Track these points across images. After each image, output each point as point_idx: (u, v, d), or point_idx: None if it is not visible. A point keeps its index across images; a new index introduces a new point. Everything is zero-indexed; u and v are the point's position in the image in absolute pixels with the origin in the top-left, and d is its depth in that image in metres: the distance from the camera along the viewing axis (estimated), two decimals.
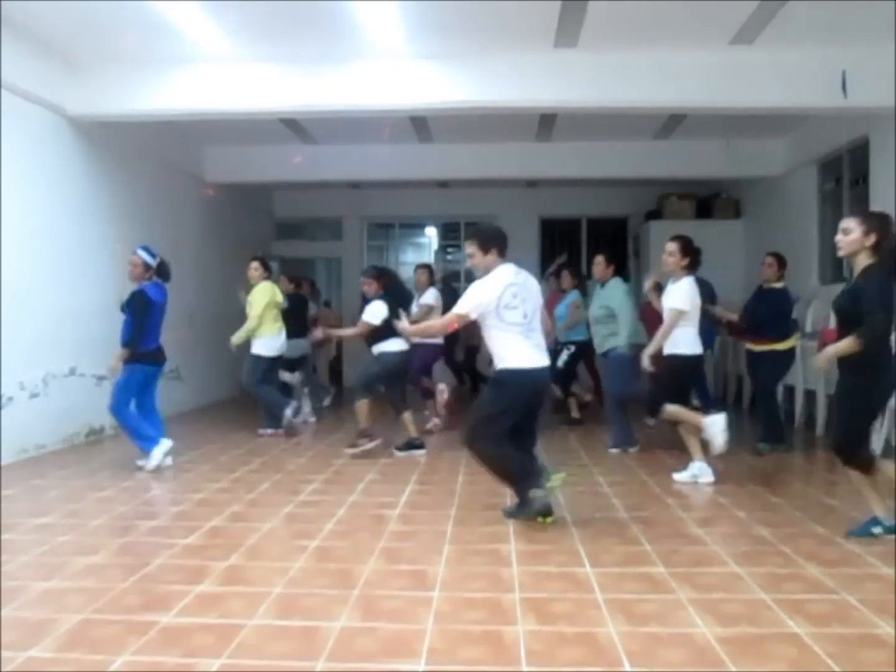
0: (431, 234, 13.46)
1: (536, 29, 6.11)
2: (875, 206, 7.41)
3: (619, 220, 12.78)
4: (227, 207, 10.63)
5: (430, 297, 7.30)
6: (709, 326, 7.30)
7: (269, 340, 7.24)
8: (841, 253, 3.86)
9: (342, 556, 3.64)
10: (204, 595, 3.14)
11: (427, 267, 7.78)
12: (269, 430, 7.37)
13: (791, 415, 7.68)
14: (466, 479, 5.34)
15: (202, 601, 3.07)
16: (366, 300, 6.49)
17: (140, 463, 5.67)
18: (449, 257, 13.49)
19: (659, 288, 5.74)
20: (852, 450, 3.82)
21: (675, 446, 6.62)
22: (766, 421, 6.48)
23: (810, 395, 7.43)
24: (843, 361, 3.77)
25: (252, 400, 8.12)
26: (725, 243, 10.52)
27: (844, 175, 8.30)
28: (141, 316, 5.63)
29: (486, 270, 4.19)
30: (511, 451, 4.18)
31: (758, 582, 3.25)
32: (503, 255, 4.23)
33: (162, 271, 5.85)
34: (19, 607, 3.01)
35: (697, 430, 5.15)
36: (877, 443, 6.19)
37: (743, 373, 8.51)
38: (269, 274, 7.48)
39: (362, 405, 6.26)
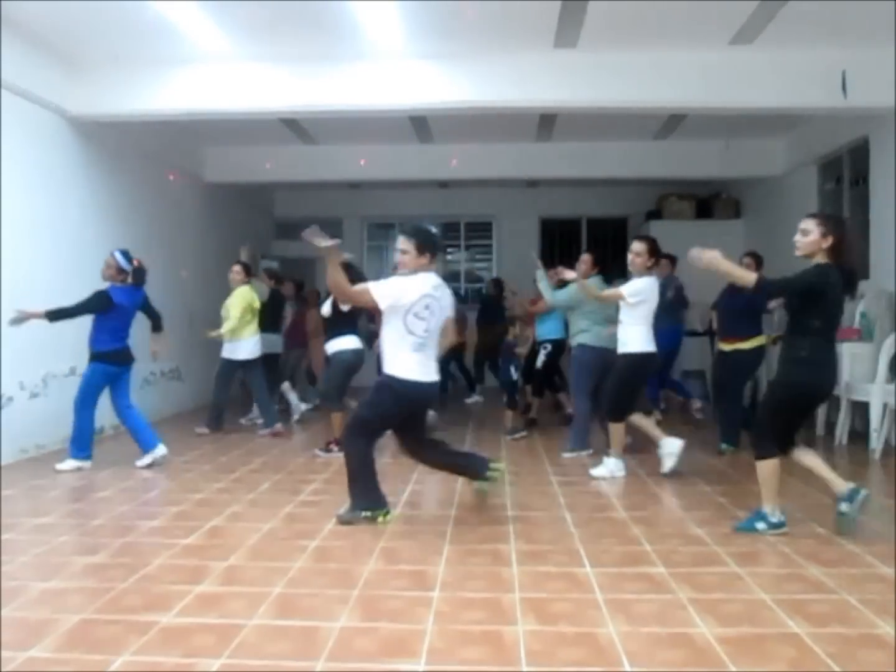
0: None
1: (536, 29, 6.11)
2: (875, 206, 7.43)
3: (619, 220, 12.77)
4: (227, 207, 10.63)
5: None
6: (673, 325, 7.41)
7: (243, 343, 7.39)
8: (798, 253, 3.91)
9: (342, 556, 3.64)
10: (204, 595, 3.14)
11: None
12: (268, 430, 7.42)
13: None
14: (466, 480, 5.33)
15: (202, 601, 3.07)
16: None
17: (59, 466, 5.67)
18: (449, 257, 13.48)
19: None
20: (757, 438, 4.02)
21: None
22: (721, 420, 6.51)
23: None
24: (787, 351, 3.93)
25: (251, 400, 8.17)
26: (725, 243, 10.33)
27: (844, 175, 8.30)
28: (90, 309, 5.68)
29: (413, 273, 4.15)
30: (369, 458, 4.27)
31: (758, 582, 3.25)
32: (434, 261, 4.22)
33: (137, 277, 5.87)
34: (19, 607, 3.01)
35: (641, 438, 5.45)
36: (876, 442, 6.20)
37: None
38: (249, 279, 7.62)
39: (336, 417, 6.26)
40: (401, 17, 5.90)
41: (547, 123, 8.70)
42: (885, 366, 6.31)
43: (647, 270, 5.35)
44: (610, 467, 5.38)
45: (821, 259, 3.83)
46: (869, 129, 7.42)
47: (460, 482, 5.26)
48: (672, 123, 8.68)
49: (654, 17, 5.88)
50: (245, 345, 7.41)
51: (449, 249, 13.47)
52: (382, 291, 4.06)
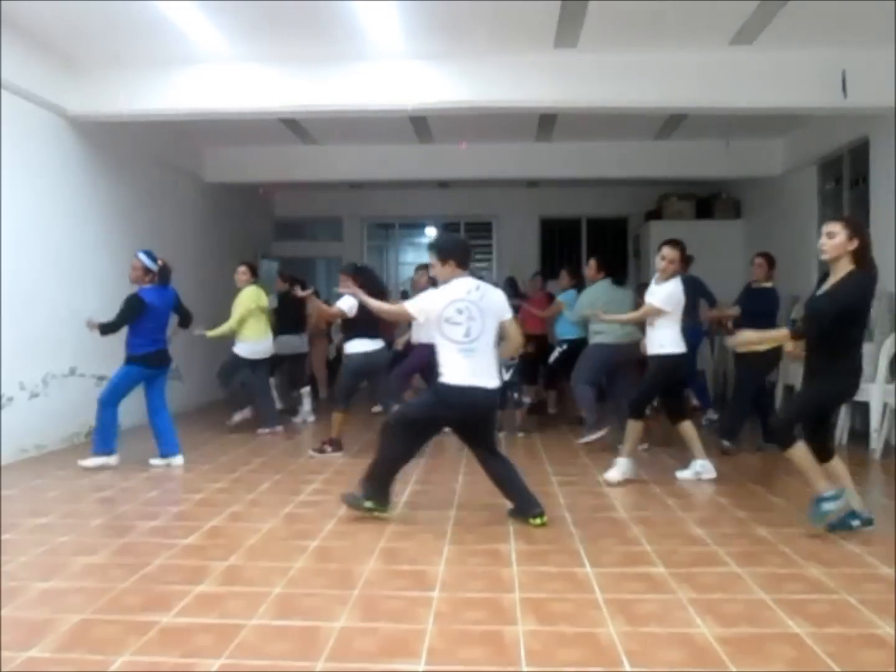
0: (431, 234, 13.45)
1: (536, 29, 6.10)
2: (875, 206, 7.43)
3: (619, 220, 12.78)
4: (227, 207, 10.63)
5: None
6: (694, 326, 7.39)
7: (251, 344, 7.46)
8: (825, 257, 3.88)
9: (342, 556, 3.64)
10: (204, 595, 3.14)
11: (427, 267, 7.78)
12: (267, 430, 7.43)
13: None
14: (466, 479, 5.34)
15: (202, 601, 3.07)
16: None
17: (82, 463, 5.71)
18: None
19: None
20: (778, 430, 3.95)
21: (673, 445, 6.63)
22: (729, 417, 6.55)
23: None
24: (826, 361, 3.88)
25: (250, 400, 8.16)
26: (725, 243, 10.52)
27: (844, 175, 8.30)
28: (129, 316, 5.70)
29: (445, 282, 4.21)
30: (398, 459, 4.30)
31: (758, 582, 3.25)
32: (463, 266, 4.24)
33: (163, 275, 5.90)
34: (19, 607, 3.01)
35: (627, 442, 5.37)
36: (876, 442, 6.20)
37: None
38: (255, 279, 7.65)
39: (337, 417, 6.32)
40: (401, 17, 5.90)
41: (547, 123, 8.69)
42: (885, 366, 6.31)
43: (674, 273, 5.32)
44: (622, 469, 5.28)
45: (846, 263, 3.79)
46: (869, 129, 7.42)
47: (460, 482, 5.27)
48: (672, 123, 8.68)
49: (654, 17, 5.88)
50: (254, 346, 7.46)
51: None
52: (416, 307, 4.29)
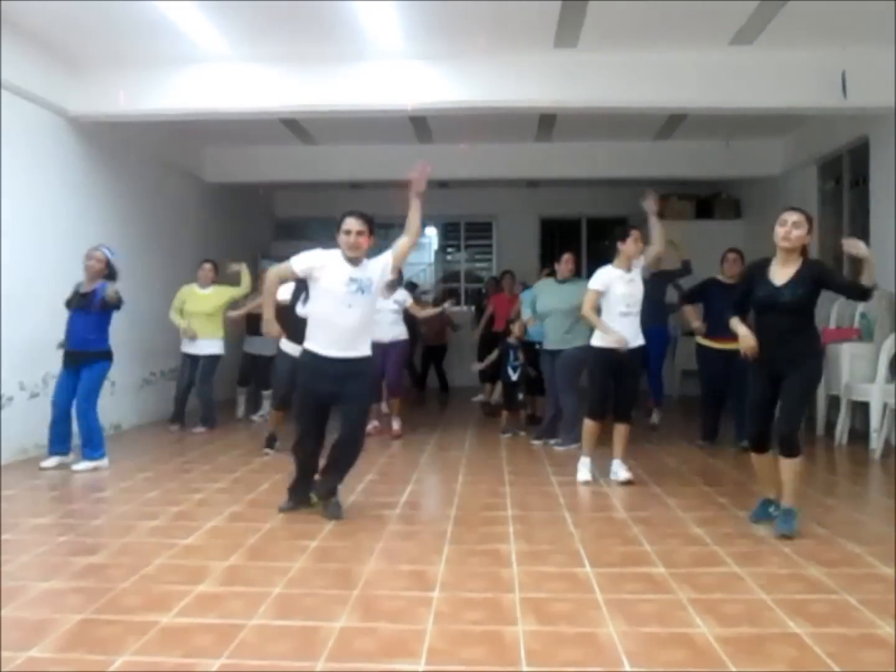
0: (431, 234, 13.45)
1: (536, 29, 6.10)
2: (875, 206, 7.43)
3: (619, 221, 12.72)
4: (227, 207, 10.63)
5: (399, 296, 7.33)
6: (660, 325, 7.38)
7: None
8: (788, 245, 3.90)
9: (342, 556, 3.64)
10: (204, 595, 3.13)
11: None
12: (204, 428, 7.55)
13: None
14: (466, 479, 5.34)
15: (202, 601, 3.07)
16: None
17: (77, 467, 5.64)
18: (448, 257, 13.48)
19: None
20: (795, 433, 3.95)
21: (672, 444, 6.64)
22: (706, 418, 6.64)
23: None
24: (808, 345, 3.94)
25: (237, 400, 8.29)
26: (725, 243, 10.44)
27: (844, 175, 8.30)
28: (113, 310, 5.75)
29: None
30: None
31: (758, 582, 3.25)
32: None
33: (114, 273, 5.87)
34: (19, 607, 3.01)
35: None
36: (876, 442, 6.20)
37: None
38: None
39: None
40: (401, 17, 5.90)
41: (547, 123, 8.69)
42: (885, 366, 6.31)
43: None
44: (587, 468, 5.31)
45: (797, 254, 3.92)
46: (869, 129, 7.42)
47: (460, 482, 5.27)
48: (672, 123, 8.68)
49: (654, 17, 5.88)
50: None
51: (449, 249, 13.48)
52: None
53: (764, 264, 4.01)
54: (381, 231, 13.48)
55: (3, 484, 5.16)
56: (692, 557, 3.60)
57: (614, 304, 5.16)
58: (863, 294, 3.88)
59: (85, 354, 5.67)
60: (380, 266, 4.30)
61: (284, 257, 4.43)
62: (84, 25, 5.99)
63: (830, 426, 6.92)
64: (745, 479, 5.31)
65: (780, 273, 3.93)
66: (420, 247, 13.61)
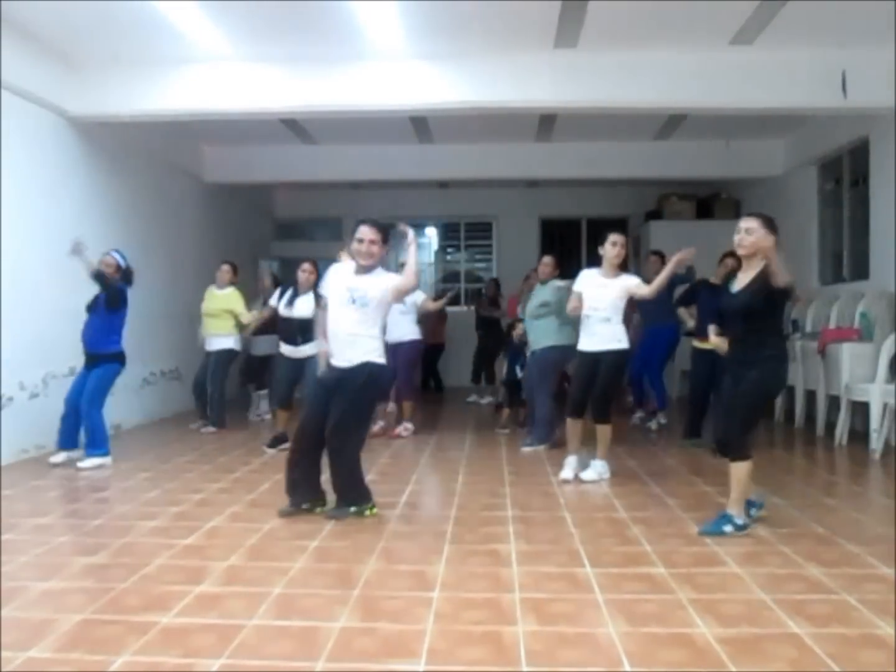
0: (431, 234, 13.45)
1: (536, 29, 6.10)
2: (875, 206, 7.43)
3: (619, 221, 12.76)
4: (227, 207, 10.62)
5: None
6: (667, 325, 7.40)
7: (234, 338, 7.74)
8: (742, 252, 3.90)
9: (342, 556, 3.64)
10: (204, 595, 3.13)
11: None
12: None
13: (791, 414, 7.69)
14: (466, 479, 5.34)
15: (202, 601, 3.07)
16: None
17: (81, 464, 5.69)
18: (448, 258, 13.48)
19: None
20: (741, 437, 3.94)
21: (673, 444, 6.64)
22: (691, 416, 6.67)
23: (810, 395, 7.43)
24: (758, 351, 3.90)
25: (249, 399, 8.23)
26: (725, 243, 10.44)
27: (844, 175, 8.30)
28: (122, 303, 5.89)
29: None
30: None
31: (758, 582, 3.25)
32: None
33: (128, 276, 6.05)
34: (19, 607, 3.01)
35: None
36: (877, 443, 6.20)
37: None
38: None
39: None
40: (401, 18, 5.90)
41: (547, 123, 8.70)
42: (885, 366, 6.31)
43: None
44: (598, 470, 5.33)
45: (759, 260, 3.83)
46: (869, 129, 7.42)
47: (460, 482, 5.27)
48: (672, 123, 8.68)
49: (654, 17, 5.88)
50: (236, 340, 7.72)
51: (449, 249, 13.47)
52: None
53: (738, 271, 4.04)
54: None
55: (3, 484, 5.16)
56: (692, 557, 3.60)
57: (585, 306, 5.31)
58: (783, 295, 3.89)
59: (96, 356, 5.89)
60: (384, 284, 4.29)
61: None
62: (84, 25, 5.99)
63: (830, 426, 6.92)
64: None
65: (740, 279, 3.97)
66: (420, 247, 13.63)
